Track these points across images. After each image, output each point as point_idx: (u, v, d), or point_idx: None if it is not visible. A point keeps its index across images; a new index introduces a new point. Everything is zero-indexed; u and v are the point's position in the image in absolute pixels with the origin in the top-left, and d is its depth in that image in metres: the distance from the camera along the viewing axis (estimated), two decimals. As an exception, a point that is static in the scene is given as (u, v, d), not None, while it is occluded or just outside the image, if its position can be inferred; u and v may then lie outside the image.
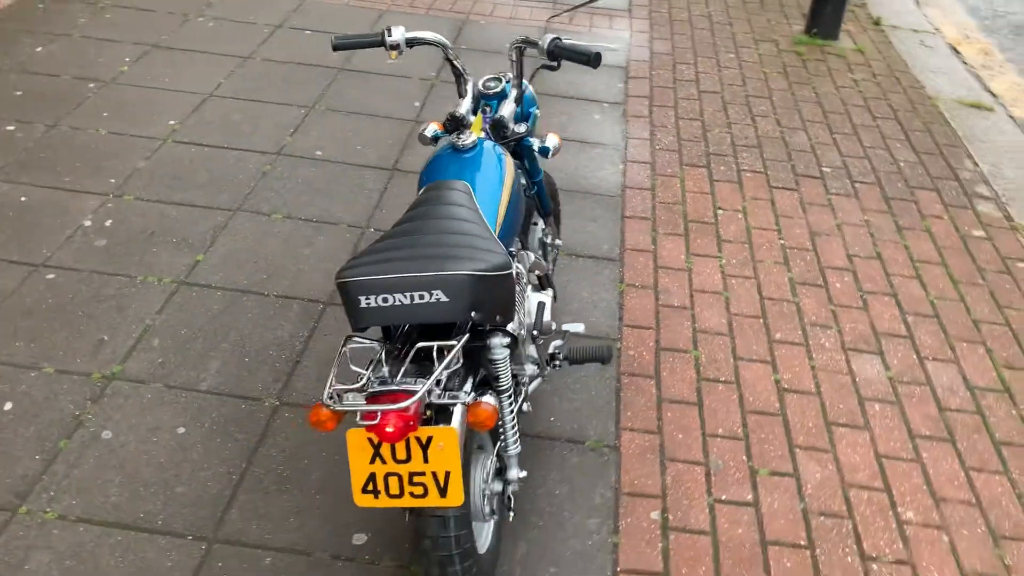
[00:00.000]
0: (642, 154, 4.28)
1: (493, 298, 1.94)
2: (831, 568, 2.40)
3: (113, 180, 3.73)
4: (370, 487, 1.85)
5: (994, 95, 5.40)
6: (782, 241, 3.74)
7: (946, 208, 4.07)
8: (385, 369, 1.91)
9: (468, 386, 2.00)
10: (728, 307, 3.33)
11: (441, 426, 1.82)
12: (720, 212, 3.90)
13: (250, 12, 5.41)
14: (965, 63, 5.80)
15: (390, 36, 2.51)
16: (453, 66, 2.64)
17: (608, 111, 4.67)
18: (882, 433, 2.84)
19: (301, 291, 3.23)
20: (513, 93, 2.65)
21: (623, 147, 4.32)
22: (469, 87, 2.66)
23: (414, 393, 1.78)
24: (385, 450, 1.83)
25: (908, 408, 2.94)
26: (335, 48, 2.52)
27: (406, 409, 1.75)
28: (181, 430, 2.64)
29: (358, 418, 1.79)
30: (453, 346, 1.88)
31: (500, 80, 2.68)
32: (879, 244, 3.77)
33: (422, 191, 2.25)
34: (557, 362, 2.66)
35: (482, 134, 2.57)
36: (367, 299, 1.88)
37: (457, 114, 2.59)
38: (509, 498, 2.28)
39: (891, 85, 5.24)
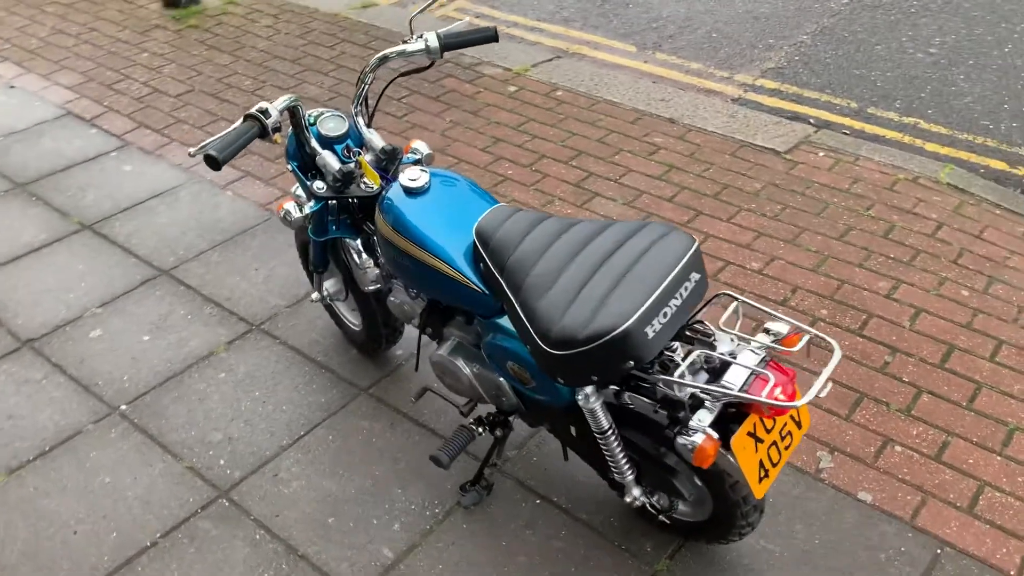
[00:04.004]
0: (241, 179, 3.86)
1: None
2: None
3: None
4: (761, 473, 1.83)
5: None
6: (450, 158, 3.93)
7: (472, 83, 4.64)
8: (684, 368, 1.81)
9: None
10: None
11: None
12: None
13: None
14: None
15: (269, 117, 2.00)
16: (304, 127, 2.23)
17: (136, 161, 3.99)
18: (675, 237, 3.47)
19: (175, 511, 2.40)
20: (361, 120, 2.34)
21: (220, 182, 3.84)
22: (315, 142, 2.28)
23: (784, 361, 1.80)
24: (760, 431, 1.82)
25: (661, 211, 3.61)
26: (220, 164, 1.90)
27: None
28: None
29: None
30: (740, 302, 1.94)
31: (342, 118, 2.33)
32: (488, 129, 4.20)
33: (481, 237, 1.99)
34: None
35: (375, 174, 2.28)
36: (651, 327, 1.75)
37: (344, 170, 2.27)
38: None
39: (292, 19, 5.42)
